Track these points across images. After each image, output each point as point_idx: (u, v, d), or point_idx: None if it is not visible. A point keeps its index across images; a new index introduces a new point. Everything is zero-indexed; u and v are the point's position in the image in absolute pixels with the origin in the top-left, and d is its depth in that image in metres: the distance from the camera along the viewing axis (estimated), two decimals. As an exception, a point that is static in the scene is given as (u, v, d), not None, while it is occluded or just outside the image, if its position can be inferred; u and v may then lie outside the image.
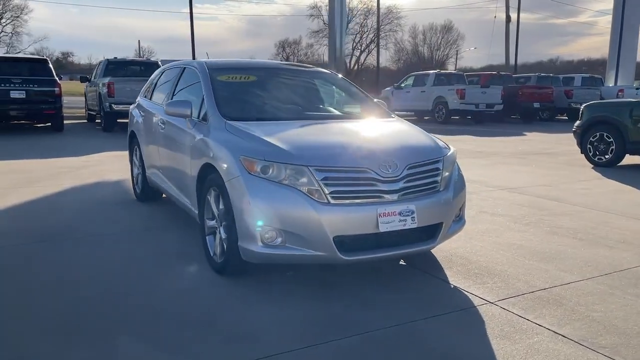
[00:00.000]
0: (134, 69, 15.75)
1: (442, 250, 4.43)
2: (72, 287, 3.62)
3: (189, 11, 22.39)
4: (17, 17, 68.38)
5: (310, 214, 3.32)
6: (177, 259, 4.23)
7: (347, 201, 3.42)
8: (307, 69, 5.47)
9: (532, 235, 4.98)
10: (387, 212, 3.46)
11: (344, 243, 3.43)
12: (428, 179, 3.74)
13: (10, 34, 69.41)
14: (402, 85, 22.51)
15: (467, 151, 11.41)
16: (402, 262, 4.20)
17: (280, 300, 3.44)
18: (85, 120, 17.86)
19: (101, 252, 4.36)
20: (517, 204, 6.31)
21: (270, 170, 3.41)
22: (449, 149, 4.12)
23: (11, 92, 12.38)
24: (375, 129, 4.36)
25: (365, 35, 45.83)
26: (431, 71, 22.32)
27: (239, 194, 3.45)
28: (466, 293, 3.61)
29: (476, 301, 3.47)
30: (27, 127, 15.06)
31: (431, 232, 3.76)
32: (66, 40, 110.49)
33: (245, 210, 3.40)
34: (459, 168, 4.19)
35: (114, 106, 13.37)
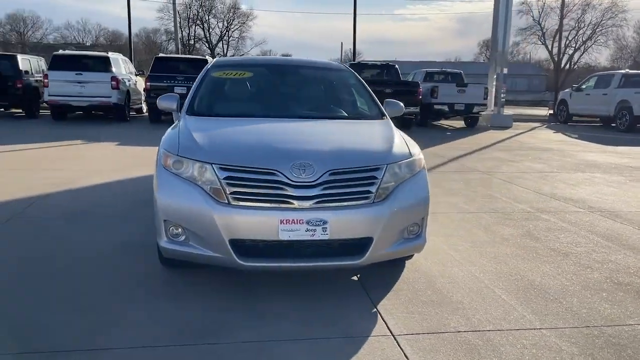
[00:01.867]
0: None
1: (422, 273, 3.94)
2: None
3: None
4: (244, 23, 76.88)
5: (206, 214, 3.22)
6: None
7: (248, 203, 3.24)
8: (320, 66, 5.25)
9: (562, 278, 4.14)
10: (291, 219, 3.19)
11: (244, 247, 3.26)
12: (357, 187, 3.35)
13: (237, 39, 78.29)
14: (583, 86, 20.02)
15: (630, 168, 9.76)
16: (354, 277, 3.83)
17: (174, 298, 3.41)
18: None
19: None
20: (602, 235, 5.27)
21: (182, 166, 3.38)
22: (408, 157, 3.62)
23: (175, 88, 13.98)
24: (333, 131, 4.03)
25: (582, 32, 41.18)
26: (618, 71, 19.45)
27: (154, 187, 3.50)
28: (379, 320, 3.17)
29: (378, 331, 3.03)
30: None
31: (358, 248, 3.36)
32: (288, 43, 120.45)
33: (156, 204, 3.44)
34: (424, 179, 3.67)
35: None
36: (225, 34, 77.87)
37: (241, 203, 3.23)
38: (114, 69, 14.51)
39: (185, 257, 3.42)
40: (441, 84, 16.36)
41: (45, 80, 13.95)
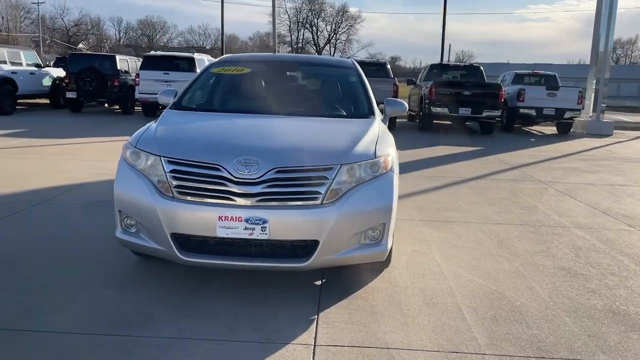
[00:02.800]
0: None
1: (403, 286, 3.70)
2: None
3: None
4: (352, 26, 77.68)
5: (151, 207, 3.24)
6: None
7: (191, 198, 3.21)
8: (322, 63, 5.09)
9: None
10: (229, 216, 3.12)
11: (186, 242, 3.24)
12: (305, 187, 3.20)
13: (344, 42, 79.22)
14: None
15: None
16: (317, 282, 3.66)
17: (126, 286, 3.45)
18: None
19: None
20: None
21: (138, 158, 3.42)
22: (370, 158, 3.39)
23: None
24: (300, 128, 3.87)
25: None
26: None
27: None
28: (311, 328, 3.00)
29: (302, 339, 2.87)
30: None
31: (303, 251, 3.21)
32: (395, 45, 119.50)
33: (114, 195, 3.51)
34: (388, 182, 3.42)
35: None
36: (332, 36, 78.92)
37: (185, 197, 3.21)
38: (198, 70, 15.08)
39: (136, 249, 3.46)
40: (528, 86, 15.30)
41: (137, 79, 14.90)
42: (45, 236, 4.37)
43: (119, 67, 15.72)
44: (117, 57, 16.17)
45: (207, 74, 4.70)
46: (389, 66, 15.66)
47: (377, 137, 3.68)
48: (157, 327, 2.94)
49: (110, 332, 2.87)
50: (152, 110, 15.52)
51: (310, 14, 77.68)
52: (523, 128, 16.94)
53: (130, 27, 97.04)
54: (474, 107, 13.65)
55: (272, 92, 4.71)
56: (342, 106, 4.44)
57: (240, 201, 3.15)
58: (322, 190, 3.20)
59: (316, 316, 3.15)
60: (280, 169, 3.19)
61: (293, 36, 78.23)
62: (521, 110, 14.81)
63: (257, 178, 3.15)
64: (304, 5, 76.71)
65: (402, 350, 2.80)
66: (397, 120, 17.22)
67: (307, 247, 3.20)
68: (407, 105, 4.62)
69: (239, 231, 3.12)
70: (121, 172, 3.46)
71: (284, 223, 3.14)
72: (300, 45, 79.06)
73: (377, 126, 3.94)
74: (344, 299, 3.41)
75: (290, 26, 77.62)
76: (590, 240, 4.88)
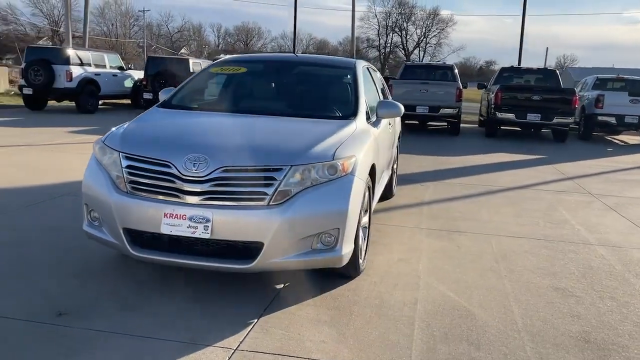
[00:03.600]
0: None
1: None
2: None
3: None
4: (443, 29, 76.17)
5: (107, 201, 3.31)
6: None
7: (142, 193, 3.25)
8: (319, 63, 4.96)
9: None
10: (174, 213, 3.13)
11: (137, 237, 3.28)
12: (252, 187, 3.14)
13: (434, 45, 77.82)
14: None
15: None
16: (279, 285, 3.57)
17: (80, 276, 3.55)
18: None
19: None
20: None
21: (103, 154, 3.51)
22: (328, 160, 3.26)
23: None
24: (271, 127, 3.79)
25: None
26: None
27: None
28: (242, 332, 2.92)
29: (227, 343, 2.81)
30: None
31: (248, 252, 3.15)
32: (490, 49, 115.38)
33: (81, 188, 3.61)
34: (345, 186, 3.28)
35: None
36: (422, 40, 77.69)
37: (137, 193, 3.25)
38: None
39: (99, 242, 3.55)
40: (609, 92, 14.16)
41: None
42: (52, 226, 4.61)
43: (192, 70, 16.33)
44: (191, 60, 16.83)
45: (205, 74, 4.75)
46: (455, 70, 15.12)
47: (345, 139, 3.54)
48: (93, 319, 2.98)
49: (47, 321, 2.95)
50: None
51: (400, 17, 76.95)
52: (606, 137, 15.72)
53: (228, 33, 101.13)
54: (544, 113, 12.85)
55: (258, 92, 4.70)
56: (324, 107, 4.31)
57: (186, 199, 3.14)
58: (270, 191, 3.12)
59: (255, 320, 3.06)
60: (227, 168, 3.14)
61: (381, 40, 77.85)
62: (599, 118, 13.76)
63: (204, 176, 3.13)
64: (393, 9, 76.15)
65: (321, 361, 2.66)
66: (466, 126, 16.66)
67: (251, 249, 3.13)
68: (402, 107, 4.41)
69: (182, 229, 3.11)
70: (89, 167, 3.57)
71: (228, 223, 3.09)
72: (388, 49, 78.57)
73: (353, 128, 3.79)
74: (295, 304, 3.29)
75: (379, 30, 77.29)
76: (610, 260, 4.41)
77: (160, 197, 3.19)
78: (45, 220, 4.79)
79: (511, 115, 13.10)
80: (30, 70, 14.92)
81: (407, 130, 15.13)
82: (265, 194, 3.12)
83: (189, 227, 3.10)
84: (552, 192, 7.23)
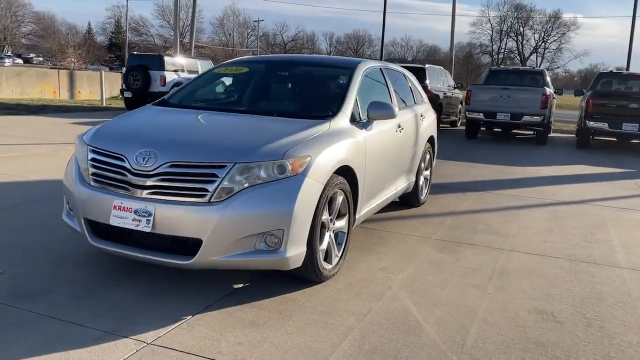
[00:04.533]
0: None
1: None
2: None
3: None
4: (564, 34, 71.80)
5: (72, 192, 3.48)
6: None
7: (100, 185, 3.37)
8: (320, 63, 4.82)
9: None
10: (122, 206, 3.21)
11: (96, 227, 3.40)
12: (194, 183, 3.14)
13: (554, 50, 73.59)
14: None
15: None
16: (238, 285, 3.53)
17: (55, 263, 3.73)
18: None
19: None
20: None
21: (79, 148, 3.69)
22: (276, 159, 3.18)
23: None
24: (234, 125, 3.79)
25: None
26: None
27: None
28: (166, 327, 2.92)
29: (144, 337, 2.81)
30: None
31: (188, 248, 3.15)
32: (620, 54, 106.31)
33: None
34: (293, 186, 3.17)
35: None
36: (540, 45, 73.72)
37: (96, 185, 3.38)
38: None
39: (73, 231, 3.71)
40: None
41: None
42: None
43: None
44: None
45: (209, 74, 4.84)
46: (546, 76, 14.14)
47: (306, 138, 3.43)
48: (39, 302, 3.12)
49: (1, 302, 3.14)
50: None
51: (516, 22, 73.58)
52: None
53: (339, 41, 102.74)
54: (643, 123, 11.62)
55: (246, 92, 4.68)
56: (304, 106, 4.21)
57: (135, 192, 3.21)
58: (211, 187, 3.10)
59: (189, 318, 3.04)
60: (173, 163, 3.17)
61: (495, 46, 74.89)
62: None
63: (151, 171, 3.18)
64: (509, 13, 72.97)
65: None
66: (561, 135, 15.54)
67: (191, 245, 3.13)
68: (394, 109, 4.18)
69: (127, 221, 3.18)
70: (70, 161, 3.76)
71: (168, 218, 3.12)
72: (502, 55, 75.36)
73: (324, 128, 3.66)
74: (239, 305, 3.23)
75: (492, 35, 74.46)
76: (629, 286, 3.87)
77: (113, 189, 3.28)
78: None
79: (604, 125, 11.98)
80: (129, 75, 16.13)
81: (488, 137, 14.43)
82: (207, 190, 3.10)
83: (134, 220, 3.16)
84: (612, 208, 6.50)
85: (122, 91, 16.91)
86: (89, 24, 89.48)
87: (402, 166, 5.08)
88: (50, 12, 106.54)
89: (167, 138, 3.42)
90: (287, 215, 3.12)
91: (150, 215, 3.13)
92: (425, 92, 13.56)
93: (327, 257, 3.67)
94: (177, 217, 3.11)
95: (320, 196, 3.35)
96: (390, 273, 3.89)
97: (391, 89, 4.98)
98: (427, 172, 6.13)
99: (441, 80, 15.53)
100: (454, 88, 16.60)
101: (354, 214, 4.00)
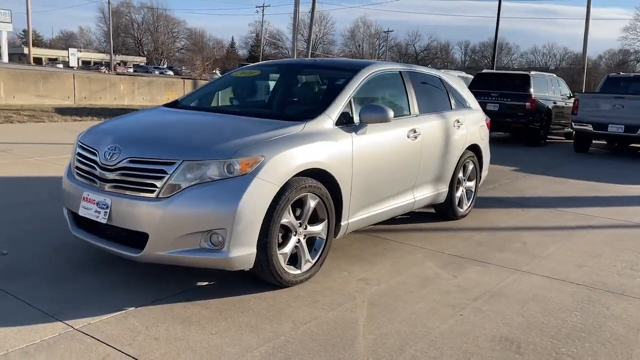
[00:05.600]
0: None
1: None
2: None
3: None
4: None
5: (62, 184, 3.77)
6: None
7: (77, 177, 3.60)
8: (325, 66, 4.68)
9: None
10: (89, 197, 3.40)
11: (75, 217, 3.63)
12: (147, 179, 3.23)
13: None
14: None
15: None
16: (202, 282, 3.57)
17: (44, 246, 4.00)
18: None
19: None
20: None
21: (76, 145, 3.95)
22: (227, 157, 3.17)
23: (487, 104, 13.47)
24: (203, 124, 3.87)
25: None
26: None
27: None
28: (103, 316, 3.02)
29: (76, 322, 2.93)
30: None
31: (138, 242, 3.25)
32: None
33: None
34: (240, 186, 3.14)
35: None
36: None
37: (75, 177, 3.62)
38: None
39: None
40: None
41: None
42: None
43: None
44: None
45: (227, 78, 4.96)
46: None
47: (269, 139, 3.38)
48: (14, 283, 3.38)
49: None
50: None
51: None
52: None
53: (474, 50, 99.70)
54: None
55: (244, 94, 4.71)
56: (289, 108, 4.13)
57: (100, 185, 3.38)
58: (159, 183, 3.17)
59: (129, 309, 3.12)
60: (132, 158, 3.29)
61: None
62: None
63: (114, 165, 3.33)
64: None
65: (120, 353, 2.62)
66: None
67: (140, 239, 3.22)
68: (387, 112, 3.94)
69: (91, 212, 3.36)
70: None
71: (121, 211, 3.24)
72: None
73: (296, 129, 3.58)
74: (186, 302, 3.26)
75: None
76: (635, 317, 3.29)
77: (87, 182, 3.48)
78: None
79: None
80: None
81: (601, 152, 13.08)
82: (156, 186, 3.18)
83: (96, 211, 3.33)
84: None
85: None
86: (232, 38, 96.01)
87: (422, 174, 4.77)
88: (201, 28, 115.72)
89: (133, 135, 3.55)
90: (229, 215, 3.09)
91: (107, 207, 3.27)
92: (529, 101, 12.95)
93: (296, 261, 3.57)
94: (128, 210, 3.22)
95: (276, 198, 3.27)
96: (366, 284, 3.68)
97: (411, 93, 4.72)
98: (470, 184, 5.71)
99: (551, 89, 14.37)
100: (569, 97, 15.25)
101: (338, 221, 3.85)
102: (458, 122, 5.30)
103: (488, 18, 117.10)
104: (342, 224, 3.92)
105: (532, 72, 13.95)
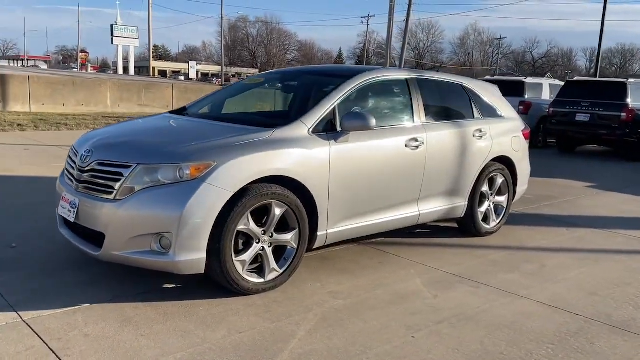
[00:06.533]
0: None
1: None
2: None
3: None
4: None
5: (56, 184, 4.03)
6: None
7: (65, 179, 3.83)
8: (323, 73, 4.52)
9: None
10: (65, 197, 3.61)
11: (62, 218, 3.86)
12: (108, 181, 3.36)
13: None
14: None
15: None
16: (169, 286, 3.64)
17: (30, 237, 4.26)
18: None
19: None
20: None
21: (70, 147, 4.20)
22: (175, 162, 3.22)
23: (577, 114, 12.45)
24: (173, 130, 3.98)
25: None
26: None
27: None
28: (55, 310, 3.18)
29: (27, 314, 3.11)
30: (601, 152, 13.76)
31: (98, 241, 3.38)
32: None
33: None
34: (186, 190, 3.18)
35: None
36: None
37: (65, 179, 3.86)
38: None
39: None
40: None
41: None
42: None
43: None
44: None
45: (236, 84, 5.03)
46: None
47: (228, 145, 3.39)
48: (1, 275, 3.67)
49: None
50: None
51: None
52: None
53: (602, 56, 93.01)
54: None
55: (236, 101, 4.67)
56: (267, 114, 4.08)
57: (76, 186, 3.57)
58: (117, 186, 3.29)
59: (84, 305, 3.25)
60: (99, 161, 3.45)
61: None
62: None
63: (85, 167, 3.51)
64: None
65: (44, 346, 2.73)
66: None
67: (99, 238, 3.35)
68: (368, 119, 3.76)
69: (65, 212, 3.56)
70: None
71: (85, 211, 3.41)
72: None
73: (263, 136, 3.55)
74: (141, 302, 3.33)
75: None
76: (621, 355, 2.85)
77: (68, 182, 3.70)
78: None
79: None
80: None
81: None
82: (114, 188, 3.30)
83: (68, 210, 3.52)
84: None
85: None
86: (339, 49, 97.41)
87: (429, 186, 4.51)
88: (311, 40, 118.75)
89: (108, 140, 3.70)
90: (175, 219, 3.13)
91: (75, 207, 3.45)
92: (625, 112, 11.76)
93: (261, 270, 3.53)
94: (90, 210, 3.37)
95: (230, 204, 3.25)
96: (333, 298, 3.54)
97: (417, 101, 4.49)
98: (500, 199, 5.30)
99: None
100: None
101: (314, 230, 3.76)
102: (480, 131, 4.95)
103: (615, 22, 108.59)
104: (319, 234, 3.81)
105: (631, 80, 12.69)
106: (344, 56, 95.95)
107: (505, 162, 5.28)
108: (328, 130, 3.82)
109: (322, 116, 3.83)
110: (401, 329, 3.14)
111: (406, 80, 4.55)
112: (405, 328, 3.15)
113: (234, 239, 3.34)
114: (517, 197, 5.59)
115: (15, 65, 67.63)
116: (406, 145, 4.27)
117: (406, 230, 5.07)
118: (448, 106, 4.91)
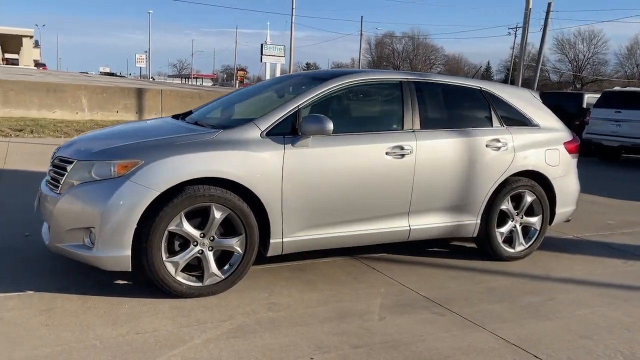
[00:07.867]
0: None
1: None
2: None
3: None
4: None
5: None
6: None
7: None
8: (316, 77, 4.22)
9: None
10: (39, 190, 3.87)
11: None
12: (58, 175, 3.52)
13: None
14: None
15: None
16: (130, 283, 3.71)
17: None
18: None
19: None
20: None
21: None
22: (106, 159, 3.29)
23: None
24: (145, 130, 4.05)
25: None
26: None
27: None
28: (3, 295, 3.41)
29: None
30: None
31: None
32: None
33: None
34: (111, 187, 3.22)
35: None
36: None
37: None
38: None
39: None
40: None
41: (587, 118, 13.28)
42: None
43: (584, 105, 14.36)
44: (586, 95, 14.74)
45: (236, 92, 5.01)
46: None
47: (160, 144, 3.39)
48: (-3, 257, 4.02)
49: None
50: (602, 152, 13.48)
51: None
52: None
53: None
54: None
55: (228, 105, 4.62)
56: (232, 117, 3.96)
57: (47, 181, 3.81)
58: (61, 180, 3.44)
59: (29, 292, 3.42)
60: (59, 157, 3.63)
61: None
62: None
63: (51, 162, 3.73)
64: None
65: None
66: None
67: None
68: (325, 124, 3.48)
69: (36, 204, 3.80)
70: None
71: (42, 204, 3.61)
72: None
73: (203, 137, 3.49)
74: (78, 295, 3.41)
75: None
76: None
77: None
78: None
79: None
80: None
81: None
82: (59, 182, 3.45)
83: (37, 200, 3.76)
84: None
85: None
86: (487, 63, 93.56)
87: (422, 199, 4.07)
88: (459, 54, 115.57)
89: (79, 140, 3.89)
90: (97, 215, 3.18)
91: (38, 197, 3.67)
92: None
93: (202, 274, 3.46)
94: (43, 202, 3.57)
95: (159, 203, 3.23)
96: (267, 309, 3.35)
97: (410, 106, 4.11)
98: (532, 220, 4.63)
99: None
100: None
101: (265, 238, 3.60)
102: (497, 141, 4.38)
103: None
104: (273, 241, 3.63)
105: None
106: (492, 69, 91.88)
107: (536, 178, 4.61)
108: (287, 134, 3.64)
109: (281, 119, 3.65)
110: (308, 348, 2.86)
111: (400, 82, 4.18)
112: (313, 348, 2.86)
113: (164, 239, 3.30)
114: (558, 219, 4.84)
115: (185, 82, 75.00)
116: (387, 154, 3.91)
117: (421, 247, 4.69)
118: (457, 112, 4.42)
